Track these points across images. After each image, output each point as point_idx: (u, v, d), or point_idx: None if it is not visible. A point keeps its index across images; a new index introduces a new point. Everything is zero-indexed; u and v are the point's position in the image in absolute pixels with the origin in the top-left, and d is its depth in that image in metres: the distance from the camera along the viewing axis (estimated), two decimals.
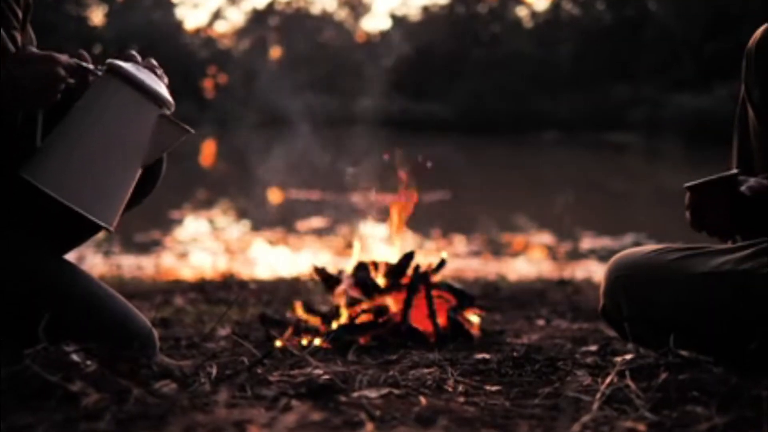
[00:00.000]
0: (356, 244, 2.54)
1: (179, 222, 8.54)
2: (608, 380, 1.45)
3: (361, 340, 2.18)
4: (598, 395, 1.37)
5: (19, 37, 1.59)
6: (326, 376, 1.47)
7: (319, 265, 2.54)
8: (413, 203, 2.57)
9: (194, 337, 2.33)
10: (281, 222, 8.13)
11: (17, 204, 1.59)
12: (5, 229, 1.56)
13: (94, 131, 1.52)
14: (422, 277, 2.36)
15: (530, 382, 1.62)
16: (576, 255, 6.40)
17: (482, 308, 2.56)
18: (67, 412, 1.16)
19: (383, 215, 2.69)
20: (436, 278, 2.43)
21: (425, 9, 36.01)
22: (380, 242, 2.74)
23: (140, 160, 1.56)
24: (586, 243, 7.02)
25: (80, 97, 1.53)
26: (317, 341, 2.18)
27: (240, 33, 36.41)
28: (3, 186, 1.56)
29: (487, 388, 1.55)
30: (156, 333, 1.65)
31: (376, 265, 2.42)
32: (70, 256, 1.75)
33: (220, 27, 43.30)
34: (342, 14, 36.96)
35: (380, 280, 2.39)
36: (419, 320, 2.29)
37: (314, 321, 2.35)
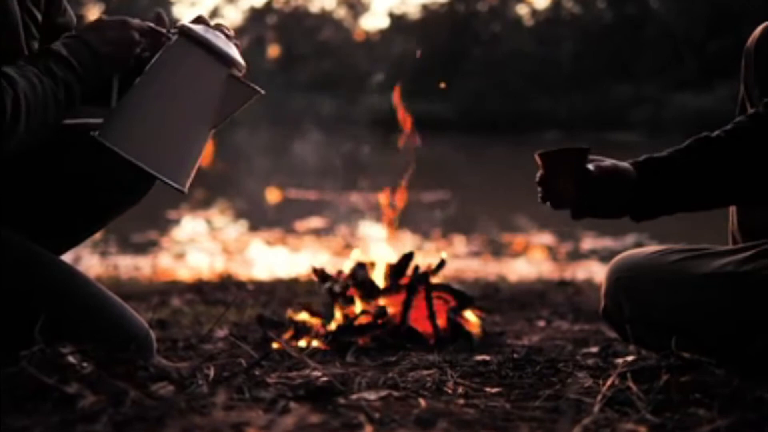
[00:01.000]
0: (355, 251, 2.53)
1: (176, 222, 8.54)
2: (609, 382, 1.45)
3: (360, 342, 2.17)
4: (599, 397, 1.37)
5: (36, 45, 1.60)
6: (325, 378, 1.46)
7: (318, 265, 2.54)
8: (405, 202, 2.56)
9: (191, 339, 2.33)
10: (279, 222, 8.12)
11: (14, 205, 1.58)
12: (1, 230, 1.55)
13: (165, 93, 1.54)
14: (422, 278, 2.35)
15: (531, 383, 1.61)
16: (577, 256, 6.39)
17: (482, 309, 2.55)
18: (63, 414, 1.15)
19: (382, 215, 2.68)
20: (435, 279, 2.42)
21: (424, 7, 36.03)
22: (379, 242, 2.73)
23: (211, 121, 1.58)
24: (587, 243, 7.01)
25: (152, 59, 1.56)
26: (316, 343, 2.17)
27: (238, 32, 36.36)
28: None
29: (487, 390, 1.55)
30: (153, 334, 1.65)
31: (374, 265, 2.42)
32: (67, 257, 1.74)
33: None
34: (341, 13, 37.01)
35: (379, 281, 2.38)
36: (419, 321, 2.28)
37: (313, 322, 2.34)
